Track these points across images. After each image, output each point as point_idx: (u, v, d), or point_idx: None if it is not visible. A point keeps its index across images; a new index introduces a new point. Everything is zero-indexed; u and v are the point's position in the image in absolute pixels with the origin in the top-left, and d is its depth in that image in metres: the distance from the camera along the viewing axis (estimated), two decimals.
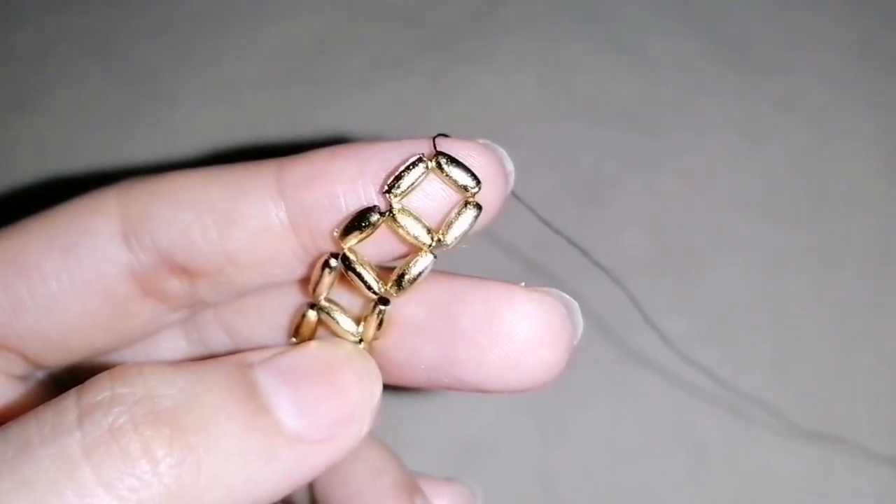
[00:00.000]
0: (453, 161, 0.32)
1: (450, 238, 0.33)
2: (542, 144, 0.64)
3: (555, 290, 0.33)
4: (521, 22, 0.67)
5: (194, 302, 0.37)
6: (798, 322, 0.59)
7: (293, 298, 0.37)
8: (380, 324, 0.34)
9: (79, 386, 0.28)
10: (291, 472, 0.29)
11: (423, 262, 0.33)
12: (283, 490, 0.30)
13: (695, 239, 0.61)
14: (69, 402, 0.27)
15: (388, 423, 0.39)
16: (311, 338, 0.35)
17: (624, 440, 0.56)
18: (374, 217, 0.32)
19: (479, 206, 0.33)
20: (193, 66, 0.66)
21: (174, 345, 0.39)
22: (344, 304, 0.36)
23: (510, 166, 0.34)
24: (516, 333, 0.32)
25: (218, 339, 0.39)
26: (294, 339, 0.36)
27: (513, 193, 0.37)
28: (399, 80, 0.65)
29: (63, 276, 0.34)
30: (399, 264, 0.34)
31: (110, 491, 0.25)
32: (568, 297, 0.33)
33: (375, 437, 0.40)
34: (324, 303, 0.35)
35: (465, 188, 0.32)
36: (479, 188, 0.32)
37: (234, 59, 0.67)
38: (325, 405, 0.30)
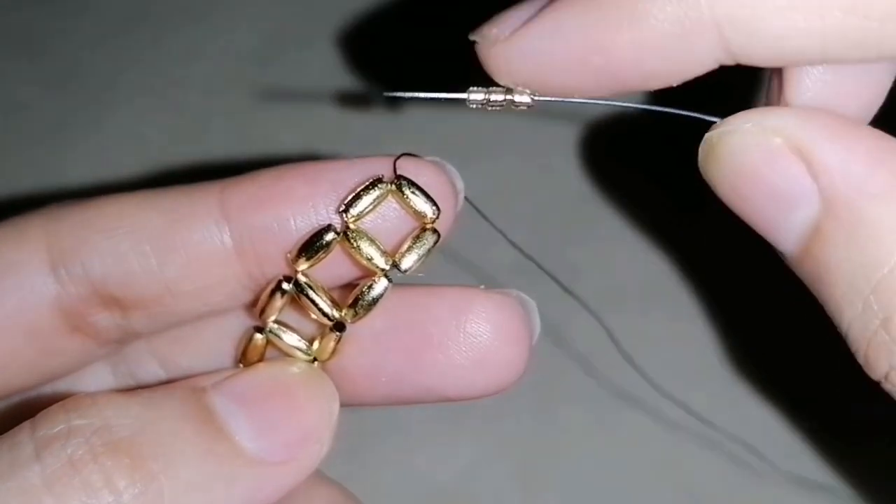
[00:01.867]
0: (413, 185, 0.34)
1: (406, 264, 0.34)
2: (525, 155, 0.64)
3: (513, 291, 0.36)
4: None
5: (125, 335, 0.37)
6: None
7: (234, 323, 0.38)
8: (334, 347, 0.36)
9: (31, 419, 0.29)
10: (253, 496, 0.31)
11: (379, 286, 0.35)
12: None
13: (701, 265, 0.61)
14: (23, 436, 0.28)
15: (352, 469, 0.41)
16: (259, 362, 0.36)
17: (611, 490, 0.56)
18: (330, 236, 0.34)
19: (437, 233, 0.35)
20: (133, 69, 0.66)
21: (100, 379, 0.39)
22: (292, 323, 0.37)
23: (460, 184, 0.36)
24: (483, 334, 0.35)
25: (149, 371, 0.39)
26: (241, 365, 0.37)
27: (483, 216, 0.39)
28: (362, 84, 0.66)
29: None
30: (354, 288, 0.35)
31: None
32: (525, 296, 0.37)
33: (330, 478, 0.41)
34: (272, 325, 0.36)
35: (424, 214, 0.34)
36: (438, 215, 0.34)
37: (179, 61, 0.67)
38: (283, 426, 0.32)
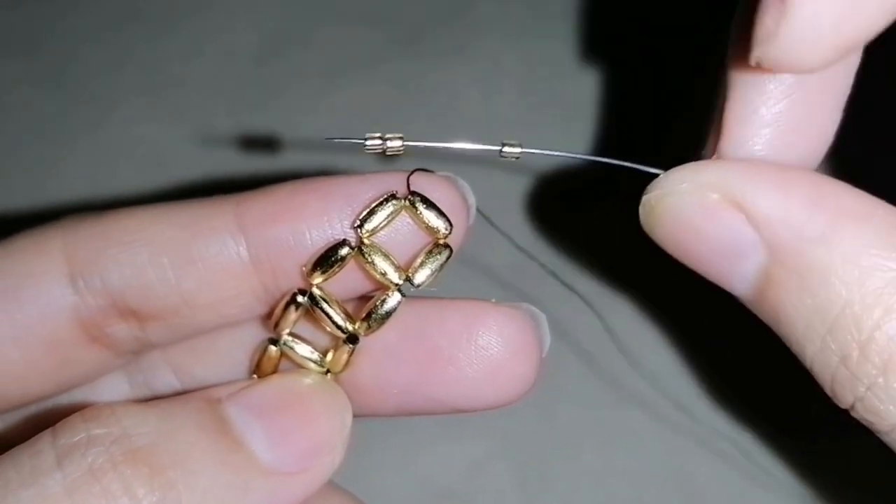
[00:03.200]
0: (426, 202, 0.35)
1: (419, 279, 0.36)
2: (524, 158, 0.66)
3: (524, 304, 0.38)
4: (500, 20, 0.68)
5: (142, 346, 0.38)
6: None
7: (249, 334, 0.39)
8: (347, 359, 0.37)
9: (51, 428, 0.30)
10: None
11: (392, 300, 0.36)
12: None
13: None
14: (44, 444, 0.30)
15: (354, 471, 0.42)
16: (273, 373, 0.38)
17: (612, 490, 0.57)
18: (344, 251, 0.35)
19: (449, 248, 0.36)
20: (132, 68, 0.67)
21: (116, 388, 0.40)
22: (307, 335, 0.38)
23: (472, 199, 0.38)
24: (493, 347, 0.36)
25: (165, 381, 0.40)
26: (255, 376, 0.38)
27: (487, 220, 0.40)
28: (362, 86, 0.66)
29: (3, 322, 0.36)
30: (368, 301, 0.37)
31: None
32: (535, 309, 0.38)
33: (341, 487, 0.42)
34: (286, 337, 0.37)
35: (437, 230, 0.36)
36: (451, 231, 0.36)
37: (178, 61, 0.67)
38: (297, 437, 0.33)
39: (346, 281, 0.37)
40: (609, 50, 0.69)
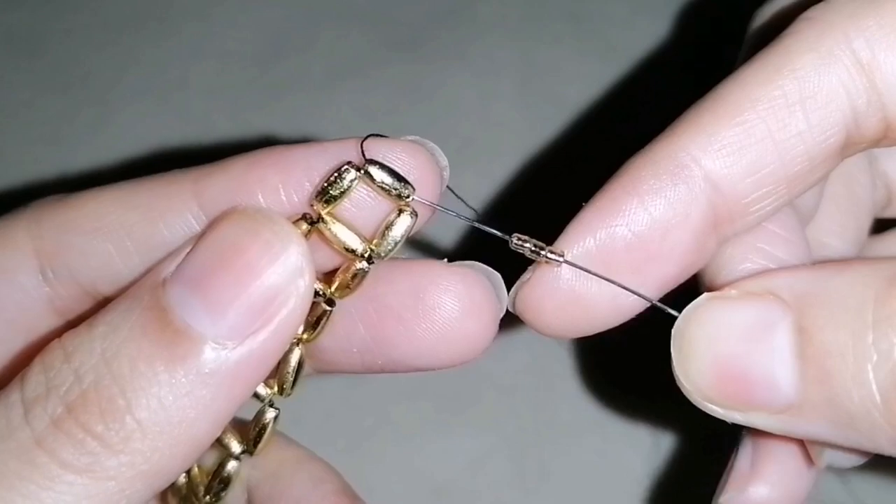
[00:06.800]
0: (384, 168, 0.35)
1: (384, 248, 0.36)
2: (521, 157, 0.67)
3: (477, 264, 0.38)
4: (498, 20, 0.70)
5: None
6: None
7: None
8: (323, 323, 0.37)
9: (20, 375, 0.31)
10: (231, 384, 0.31)
11: (360, 268, 0.36)
12: (233, 402, 0.31)
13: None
14: (14, 397, 0.31)
15: (352, 466, 0.43)
16: None
17: (610, 485, 0.58)
18: (304, 227, 0.35)
19: (414, 213, 0.36)
20: (134, 69, 0.69)
21: None
22: None
23: (444, 161, 0.37)
24: (441, 306, 0.37)
25: None
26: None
27: (466, 204, 0.40)
28: (363, 86, 0.68)
29: None
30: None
31: (69, 468, 0.30)
32: (490, 269, 0.38)
33: (314, 454, 0.43)
34: None
35: (399, 196, 0.35)
36: (413, 196, 0.35)
37: (180, 61, 0.70)
38: (239, 299, 0.31)
39: (316, 255, 0.36)
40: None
